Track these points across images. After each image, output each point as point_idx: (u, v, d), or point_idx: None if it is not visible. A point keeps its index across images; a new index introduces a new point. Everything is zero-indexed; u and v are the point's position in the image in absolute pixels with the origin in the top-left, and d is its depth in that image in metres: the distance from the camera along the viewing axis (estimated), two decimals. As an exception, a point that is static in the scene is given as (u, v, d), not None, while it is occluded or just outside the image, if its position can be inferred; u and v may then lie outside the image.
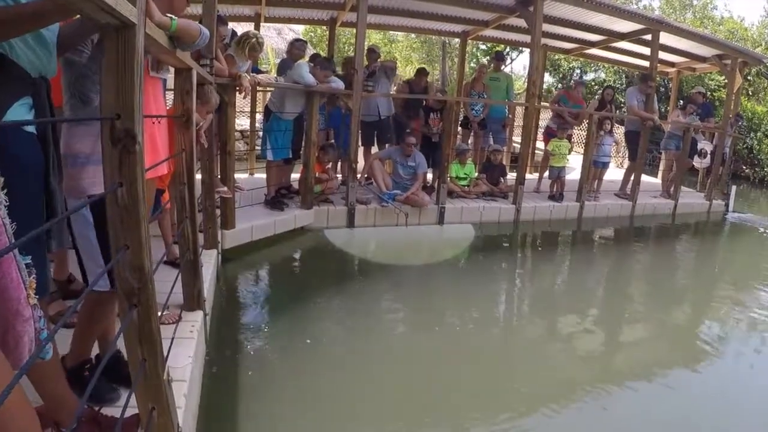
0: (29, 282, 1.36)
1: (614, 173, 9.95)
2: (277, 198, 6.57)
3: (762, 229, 9.60)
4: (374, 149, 8.11)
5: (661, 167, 11.00)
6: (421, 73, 8.27)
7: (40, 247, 1.74)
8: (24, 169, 1.67)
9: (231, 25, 6.27)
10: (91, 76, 2.05)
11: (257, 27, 9.37)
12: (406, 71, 21.20)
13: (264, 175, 6.82)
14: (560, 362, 4.11)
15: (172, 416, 1.90)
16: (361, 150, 7.69)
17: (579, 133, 11.95)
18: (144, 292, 1.65)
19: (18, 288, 1.31)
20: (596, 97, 11.91)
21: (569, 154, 9.01)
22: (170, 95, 3.52)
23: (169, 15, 2.23)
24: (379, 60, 8.09)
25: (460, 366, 3.89)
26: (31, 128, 1.74)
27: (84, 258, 2.18)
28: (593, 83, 20.74)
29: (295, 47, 7.15)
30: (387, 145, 8.11)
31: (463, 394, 3.51)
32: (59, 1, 1.44)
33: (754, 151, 16.32)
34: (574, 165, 9.74)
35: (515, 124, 11.45)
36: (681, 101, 12.41)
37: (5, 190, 1.33)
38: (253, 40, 5.46)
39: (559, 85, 21.86)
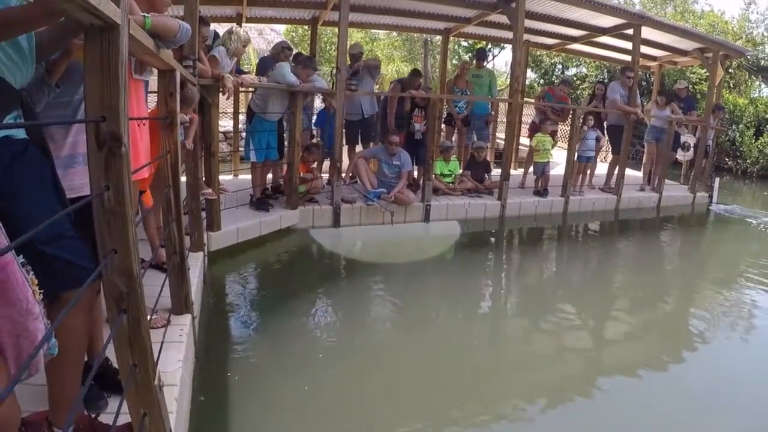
0: (30, 279, 1.37)
1: (600, 168, 10.00)
2: (263, 199, 6.53)
3: (754, 222, 9.66)
4: (359, 148, 8.09)
5: (645, 160, 11.09)
6: (416, 75, 8.09)
7: (76, 234, 1.76)
8: (35, 171, 1.69)
9: (213, 26, 6.24)
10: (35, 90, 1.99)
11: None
12: (388, 69, 21.14)
13: (249, 176, 6.78)
14: (549, 358, 4.13)
15: (164, 421, 1.87)
16: (345, 149, 7.67)
17: (563, 128, 12.00)
18: (133, 297, 1.62)
19: (24, 287, 1.32)
20: (588, 92, 11.96)
21: (553, 149, 9.05)
22: (152, 97, 3.51)
23: (143, 14, 2.22)
24: (362, 59, 8.06)
25: (450, 364, 3.90)
26: (22, 135, 1.70)
27: None
28: (575, 78, 20.84)
29: (285, 54, 7.08)
30: (371, 144, 8.10)
31: (455, 393, 3.52)
32: (42, 2, 1.41)
33: (737, 144, 16.46)
34: (558, 160, 9.79)
35: (498, 120, 11.49)
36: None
37: None
38: (241, 31, 5.51)
39: (542, 81, 21.92)
